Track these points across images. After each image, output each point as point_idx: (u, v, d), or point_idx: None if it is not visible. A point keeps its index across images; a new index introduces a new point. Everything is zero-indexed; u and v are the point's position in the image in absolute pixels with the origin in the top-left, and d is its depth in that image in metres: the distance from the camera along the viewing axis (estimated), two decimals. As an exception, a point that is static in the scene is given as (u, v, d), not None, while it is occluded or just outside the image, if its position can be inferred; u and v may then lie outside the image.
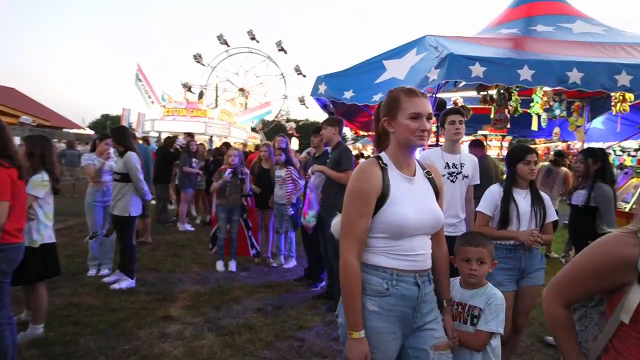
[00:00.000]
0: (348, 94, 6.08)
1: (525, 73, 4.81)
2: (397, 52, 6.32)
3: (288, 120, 41.80)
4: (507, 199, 3.09)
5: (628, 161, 19.41)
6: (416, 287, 1.84)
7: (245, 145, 18.87)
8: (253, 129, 29.60)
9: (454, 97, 9.04)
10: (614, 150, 21.40)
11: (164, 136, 14.78)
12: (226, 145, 9.85)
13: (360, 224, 1.81)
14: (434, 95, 7.00)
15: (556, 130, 10.59)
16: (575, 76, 4.83)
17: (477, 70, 4.78)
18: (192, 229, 8.54)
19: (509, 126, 9.14)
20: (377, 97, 5.67)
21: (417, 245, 1.86)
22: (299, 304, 4.74)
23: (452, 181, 3.45)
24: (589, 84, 4.85)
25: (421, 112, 1.85)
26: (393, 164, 1.92)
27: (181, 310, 4.40)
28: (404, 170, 1.91)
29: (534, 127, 9.30)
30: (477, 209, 3.20)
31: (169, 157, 9.00)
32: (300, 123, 50.02)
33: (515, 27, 7.26)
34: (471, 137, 9.48)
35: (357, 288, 1.78)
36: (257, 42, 35.42)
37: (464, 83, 6.65)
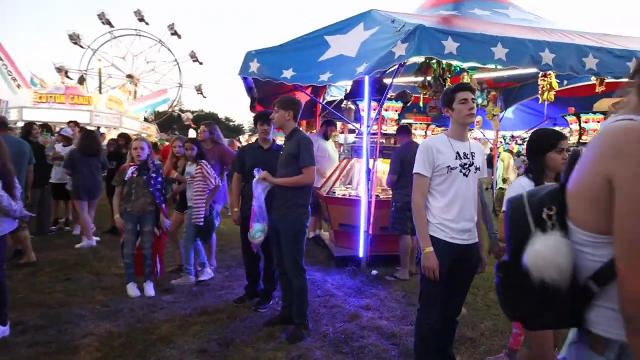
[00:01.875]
0: (288, 73, 5.12)
1: (500, 51, 4.28)
2: (340, 28, 5.49)
3: (183, 111, 39.11)
4: None
5: (515, 148, 20.92)
6: None
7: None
8: (146, 119, 26.96)
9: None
10: (505, 138, 23.00)
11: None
12: (124, 137, 8.25)
13: None
14: (378, 78, 6.36)
15: (478, 118, 10.57)
16: (547, 57, 4.41)
17: (450, 45, 4.14)
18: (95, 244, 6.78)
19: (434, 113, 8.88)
20: (325, 77, 4.82)
21: None
22: (251, 334, 3.71)
23: (464, 175, 2.71)
24: (560, 66, 4.46)
25: None
26: None
27: (89, 365, 3.15)
28: None
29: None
30: (503, 208, 2.49)
31: (37, 150, 6.70)
32: (195, 114, 47.30)
33: (454, 9, 6.82)
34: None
35: None
36: (147, 24, 32.53)
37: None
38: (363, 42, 5.03)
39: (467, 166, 2.70)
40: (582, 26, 5.09)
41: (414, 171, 2.74)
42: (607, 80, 7.40)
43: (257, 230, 3.60)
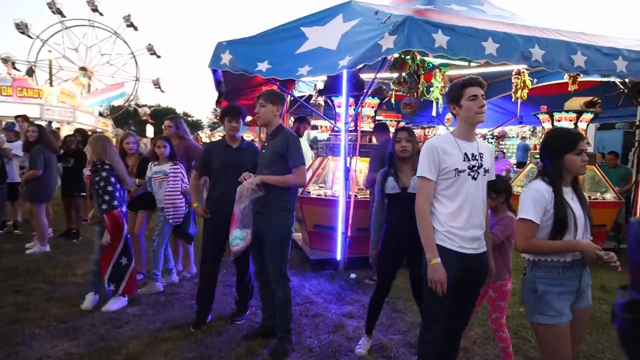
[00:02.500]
0: (263, 66, 4.80)
1: (490, 46, 4.11)
2: (317, 19, 5.22)
3: (139, 105, 37.67)
4: (562, 201, 2.25)
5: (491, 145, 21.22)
6: None
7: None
8: (101, 114, 25.71)
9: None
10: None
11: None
12: (80, 133, 7.67)
13: None
14: (356, 73, 6.10)
15: (448, 116, 10.53)
16: (537, 53, 4.28)
17: (441, 39, 3.93)
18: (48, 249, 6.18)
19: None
20: (304, 70, 4.53)
21: None
22: (230, 350, 3.38)
23: (473, 178, 2.47)
24: (549, 63, 4.34)
25: None
26: None
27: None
28: None
29: (434, 112, 9.07)
30: (523, 215, 2.28)
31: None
32: (152, 109, 45.72)
33: (429, 3, 6.64)
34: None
35: None
36: (101, 14, 31.07)
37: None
38: (344, 34, 4.76)
39: (475, 168, 2.47)
40: (558, 24, 5.01)
41: (418, 174, 2.48)
42: (579, 79, 7.53)
43: (236, 238, 3.26)
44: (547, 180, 2.32)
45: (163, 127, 5.04)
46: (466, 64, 8.43)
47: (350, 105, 6.25)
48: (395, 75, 7.32)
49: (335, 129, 6.24)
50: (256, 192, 3.18)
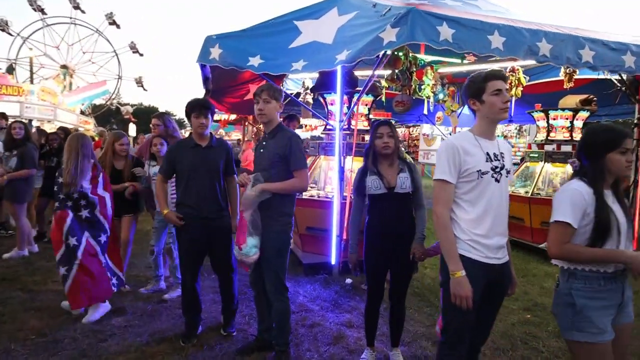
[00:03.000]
0: (255, 61, 4.56)
1: (497, 40, 3.93)
2: (311, 12, 5.00)
3: (121, 104, 36.93)
4: (604, 205, 2.03)
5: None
6: None
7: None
8: (82, 113, 25.06)
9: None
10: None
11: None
12: (63, 131, 7.34)
13: None
14: (350, 69, 5.88)
15: (439, 114, 10.37)
16: (545, 48, 4.10)
17: (446, 32, 3.73)
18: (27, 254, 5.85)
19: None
20: (299, 65, 4.30)
21: None
22: (223, 367, 3.15)
23: (496, 180, 2.26)
24: (557, 57, 4.17)
25: None
26: None
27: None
28: None
29: (425, 110, 8.92)
30: (559, 217, 2.05)
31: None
32: (134, 107, 44.89)
33: (424, -2, 6.45)
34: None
35: None
36: (83, 12, 30.31)
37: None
38: (340, 27, 4.54)
39: (498, 170, 2.26)
40: (555, 20, 4.83)
41: (436, 177, 2.25)
42: (575, 77, 7.42)
43: (253, 246, 2.99)
44: (585, 180, 2.09)
45: (151, 126, 4.73)
46: (458, 60, 8.29)
47: (331, 104, 6.04)
48: (387, 72, 7.13)
49: (329, 127, 6.01)
50: (262, 196, 2.94)
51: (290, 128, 6.58)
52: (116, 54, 31.86)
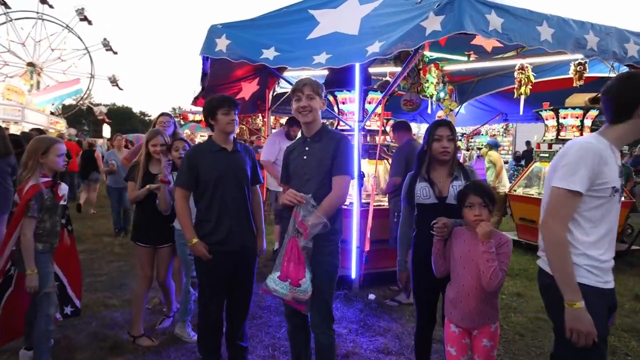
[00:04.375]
0: (269, 53, 4.06)
1: (546, 32, 3.53)
2: (327, 1, 4.51)
3: (94, 104, 35.56)
4: None
5: (460, 144, 21.05)
6: None
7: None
8: (52, 113, 23.85)
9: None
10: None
11: None
12: (39, 132, 6.66)
13: None
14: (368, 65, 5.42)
15: (440, 113, 10.04)
16: (592, 41, 3.73)
17: (495, 21, 3.32)
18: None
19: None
20: (322, 59, 3.83)
21: None
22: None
23: (619, 200, 1.87)
24: (604, 52, 3.81)
25: None
26: None
27: None
28: None
29: (430, 110, 8.56)
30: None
31: None
32: (107, 108, 43.45)
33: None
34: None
35: None
36: (51, 6, 28.96)
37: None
38: (364, 17, 4.07)
39: (621, 186, 1.86)
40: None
41: (562, 185, 1.79)
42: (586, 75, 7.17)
43: (310, 280, 2.46)
44: None
45: (157, 124, 4.07)
46: (462, 58, 7.95)
47: (343, 102, 5.59)
48: (397, 69, 6.70)
49: (340, 127, 5.54)
50: (317, 224, 2.43)
51: (291, 132, 6.16)
52: (88, 52, 30.58)
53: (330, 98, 5.69)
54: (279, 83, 8.60)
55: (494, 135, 18.23)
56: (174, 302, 3.95)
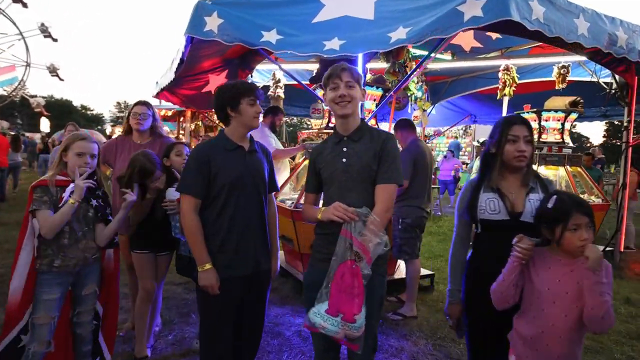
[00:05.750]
0: (270, 37, 3.56)
1: (582, 25, 3.24)
2: (331, -19, 4.01)
3: (29, 95, 32.88)
4: None
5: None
6: None
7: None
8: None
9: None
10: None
11: None
12: None
13: None
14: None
15: (416, 113, 9.80)
16: (622, 39, 3.51)
17: (538, 10, 2.99)
18: None
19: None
20: (334, 44, 3.36)
21: None
22: None
23: None
24: (631, 50, 3.62)
25: None
26: None
27: None
28: None
29: (410, 109, 8.28)
30: None
31: None
32: (44, 100, 40.36)
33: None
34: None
35: None
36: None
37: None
38: (377, 1, 3.63)
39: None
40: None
41: None
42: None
43: (364, 316, 1.95)
44: None
45: (132, 115, 3.31)
46: (448, 57, 7.73)
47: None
48: (384, 65, 6.33)
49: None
50: (377, 245, 1.95)
51: (276, 122, 5.64)
52: (23, 37, 28.13)
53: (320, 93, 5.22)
54: (251, 76, 8.00)
55: (455, 136, 18.42)
56: (158, 317, 3.41)
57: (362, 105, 4.28)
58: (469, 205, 2.18)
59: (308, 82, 6.05)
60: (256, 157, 2.42)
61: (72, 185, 2.35)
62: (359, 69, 4.39)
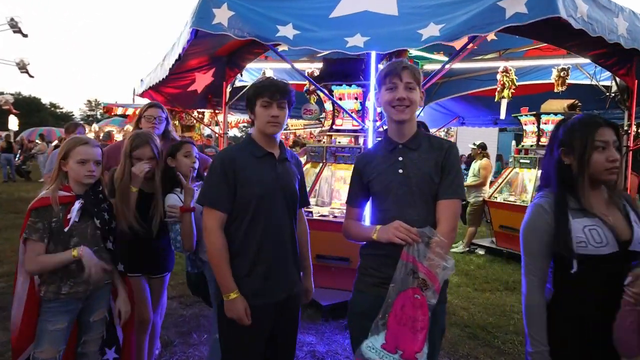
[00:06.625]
0: (287, 32, 3.28)
1: (622, 25, 3.08)
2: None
3: (-3, 92, 31.52)
4: None
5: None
6: None
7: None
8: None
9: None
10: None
11: None
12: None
13: None
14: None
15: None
16: (658, 39, 3.32)
17: (582, 7, 2.79)
18: None
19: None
20: (358, 41, 3.13)
21: None
22: None
23: None
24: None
25: None
26: None
27: None
28: None
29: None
30: None
31: None
32: (12, 97, 38.76)
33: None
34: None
35: None
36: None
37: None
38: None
39: None
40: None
41: None
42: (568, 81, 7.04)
43: (426, 354, 1.68)
44: None
45: (146, 119, 2.99)
46: (445, 58, 7.55)
47: (340, 99, 4.91)
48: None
49: (336, 127, 4.82)
50: (445, 269, 1.69)
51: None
52: (-11, 31, 26.89)
53: (325, 94, 4.95)
54: (241, 74, 7.65)
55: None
56: (157, 341, 3.07)
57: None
58: (559, 239, 1.65)
59: (298, 82, 5.79)
60: (288, 166, 2.13)
61: (77, 203, 2.01)
62: (372, 68, 4.15)
